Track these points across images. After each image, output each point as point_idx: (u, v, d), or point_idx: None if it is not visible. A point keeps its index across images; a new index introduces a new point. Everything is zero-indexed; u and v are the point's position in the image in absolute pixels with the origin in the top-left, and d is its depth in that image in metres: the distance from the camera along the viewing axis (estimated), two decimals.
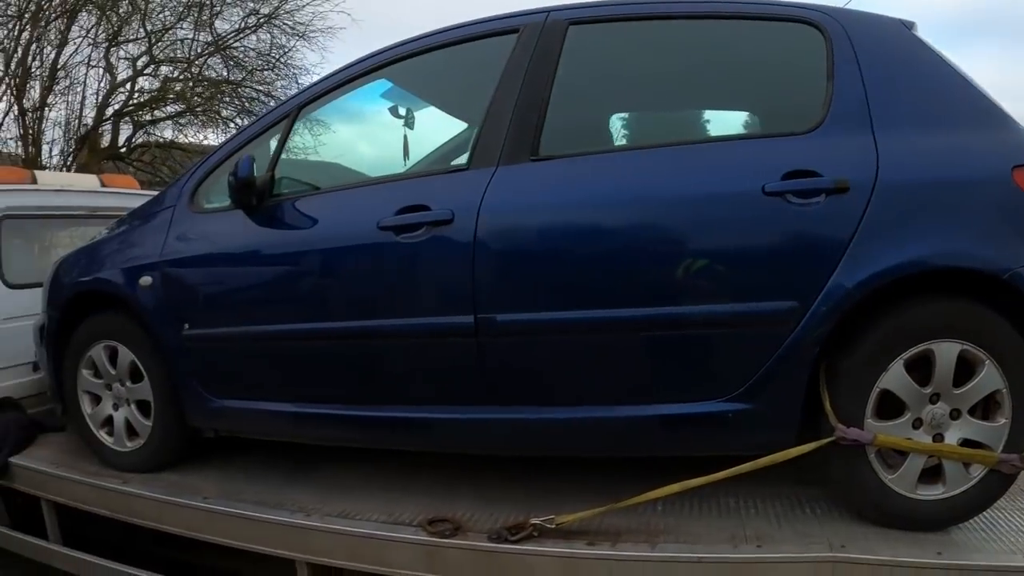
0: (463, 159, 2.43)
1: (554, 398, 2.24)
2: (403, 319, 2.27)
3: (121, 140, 10.38)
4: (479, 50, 2.50)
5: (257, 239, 2.51)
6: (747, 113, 2.68)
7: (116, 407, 2.92)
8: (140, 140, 10.61)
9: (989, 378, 2.00)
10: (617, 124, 2.58)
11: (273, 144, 2.60)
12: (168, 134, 10.77)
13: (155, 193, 4.41)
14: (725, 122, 2.71)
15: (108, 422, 2.96)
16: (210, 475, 2.81)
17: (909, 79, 2.11)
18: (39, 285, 3.69)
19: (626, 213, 2.15)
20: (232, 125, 10.36)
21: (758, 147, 2.19)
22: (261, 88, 10.89)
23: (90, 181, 4.32)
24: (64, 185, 4.05)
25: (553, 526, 2.12)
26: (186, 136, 10.64)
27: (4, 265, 3.68)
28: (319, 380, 2.49)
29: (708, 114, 2.73)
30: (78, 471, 2.97)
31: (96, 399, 2.98)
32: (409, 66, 2.58)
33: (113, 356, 2.85)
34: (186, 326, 2.59)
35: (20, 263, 3.85)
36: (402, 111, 2.93)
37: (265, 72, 10.86)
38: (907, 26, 2.19)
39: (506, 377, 2.25)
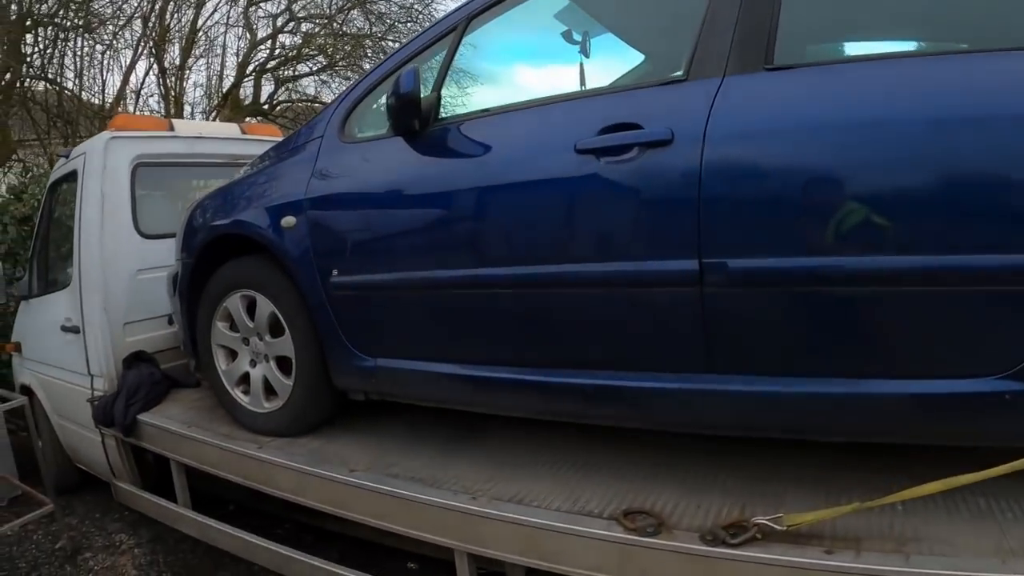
0: (670, 71, 1.95)
1: (792, 367, 1.76)
2: (604, 264, 1.84)
3: (263, 97, 10.43)
4: None
5: (421, 170, 2.16)
6: None
7: (253, 364, 2.67)
8: (283, 97, 10.62)
9: None
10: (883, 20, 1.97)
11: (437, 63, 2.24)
12: (311, 91, 10.76)
13: None
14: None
15: (244, 380, 2.72)
16: (356, 444, 2.51)
17: None
18: (174, 236, 3.56)
19: (889, 138, 1.60)
20: None
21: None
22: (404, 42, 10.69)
23: (230, 129, 4.14)
24: (203, 132, 3.87)
25: (783, 528, 1.68)
26: (331, 91, 10.50)
27: (138, 215, 3.52)
28: (496, 338, 2.10)
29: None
30: (210, 432, 2.76)
31: (232, 354, 2.75)
32: None
33: (251, 307, 2.60)
34: (335, 272, 2.29)
35: (155, 213, 3.70)
36: (577, 36, 2.50)
37: (408, 24, 10.59)
38: None
39: (733, 339, 1.77)
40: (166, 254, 3.55)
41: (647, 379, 1.87)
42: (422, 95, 2.05)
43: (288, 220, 2.35)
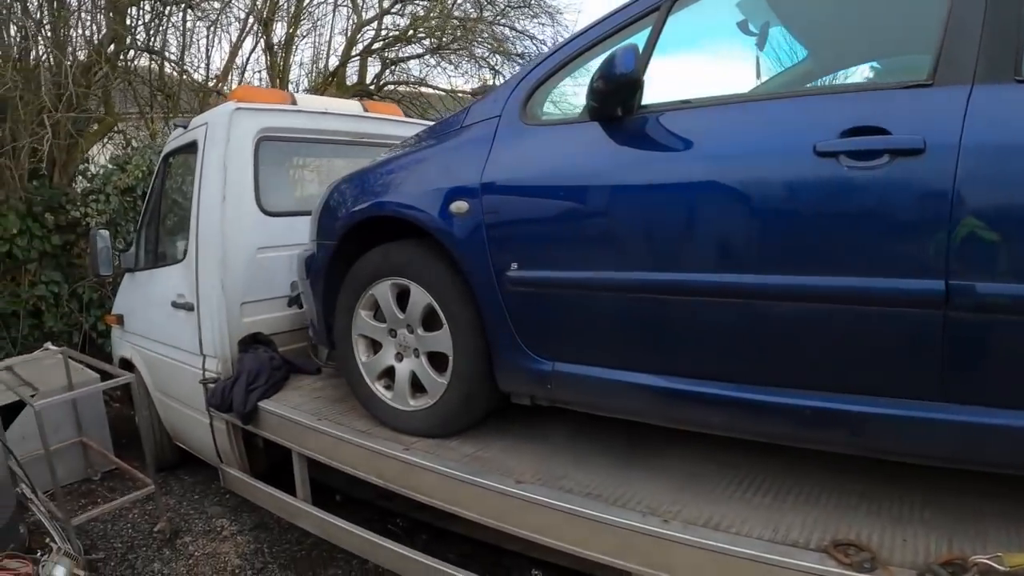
0: (907, 75, 1.76)
1: None
2: (837, 277, 1.67)
3: (369, 78, 10.34)
4: None
5: (624, 161, 1.95)
6: None
7: (400, 357, 2.49)
8: (388, 78, 10.53)
9: None
10: None
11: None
12: (418, 73, 10.66)
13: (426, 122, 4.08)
14: None
15: (387, 374, 2.55)
16: (513, 451, 2.32)
17: None
18: (296, 214, 3.42)
19: None
20: (486, 64, 10.02)
21: None
22: (518, 28, 10.51)
23: (353, 106, 3.96)
24: (328, 108, 3.70)
25: (1005, 568, 1.53)
26: (442, 73, 10.41)
27: (260, 190, 3.37)
28: (706, 350, 1.90)
29: None
30: (345, 427, 2.59)
31: (373, 345, 2.58)
32: None
33: (403, 297, 2.42)
34: (514, 266, 2.09)
35: (277, 189, 3.56)
36: (754, 27, 2.29)
37: (520, 9, 10.40)
38: None
39: (974, 367, 1.62)
40: (287, 232, 3.43)
41: (872, 404, 1.72)
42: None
43: (459, 206, 2.15)
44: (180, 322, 3.47)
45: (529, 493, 2.03)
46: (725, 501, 1.95)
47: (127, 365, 4.07)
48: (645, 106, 1.96)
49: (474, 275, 2.17)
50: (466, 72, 10.42)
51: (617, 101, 1.91)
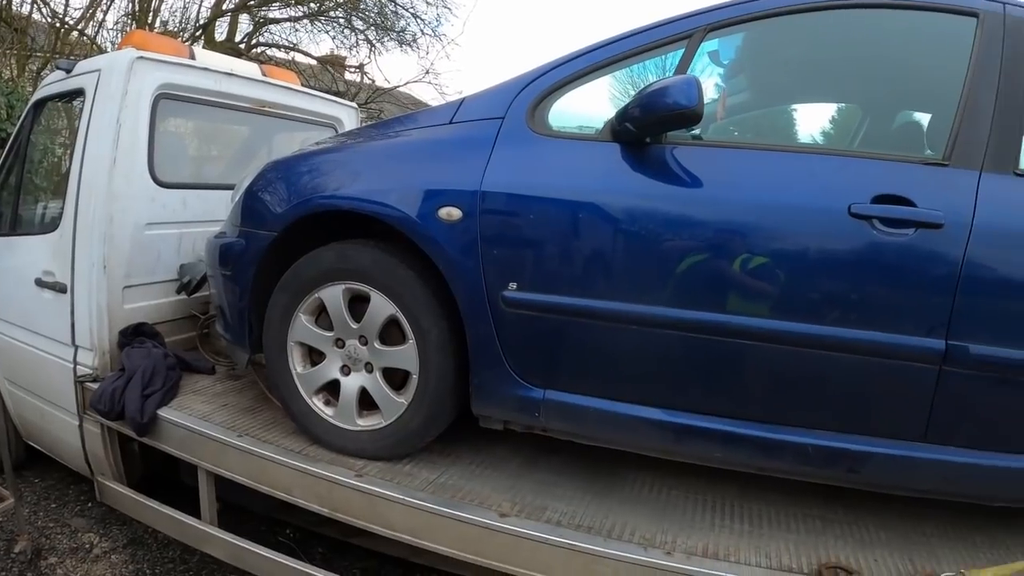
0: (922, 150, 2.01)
1: (996, 443, 1.85)
2: (850, 329, 1.79)
3: (238, 36, 9.28)
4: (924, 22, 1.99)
5: (652, 191, 1.86)
6: None
7: (347, 371, 2.20)
8: (259, 39, 9.50)
9: None
10: None
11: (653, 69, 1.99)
12: (291, 39, 9.72)
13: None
14: None
15: (329, 388, 2.25)
16: (474, 476, 2.17)
17: None
18: (191, 187, 2.96)
19: None
20: (362, 39, 9.32)
21: None
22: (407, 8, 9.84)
23: (251, 69, 3.43)
24: (234, 69, 3.19)
25: None
26: (311, 41, 9.71)
27: (155, 157, 2.86)
28: (715, 387, 1.90)
29: None
30: (275, 447, 2.28)
31: (312, 355, 2.26)
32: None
33: (356, 303, 2.13)
34: (512, 286, 1.92)
35: (172, 158, 3.04)
36: (724, 59, 2.28)
37: None
38: None
39: (955, 416, 1.84)
40: (179, 208, 2.98)
41: (869, 444, 1.87)
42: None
43: (450, 212, 1.92)
44: (46, 304, 2.89)
45: (518, 528, 1.89)
46: (708, 529, 1.97)
47: None
48: (674, 137, 1.89)
49: (461, 291, 1.96)
50: (342, 44, 9.85)
51: (659, 131, 1.83)
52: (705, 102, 1.74)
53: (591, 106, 2.01)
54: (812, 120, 2.56)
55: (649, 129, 1.83)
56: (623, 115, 1.84)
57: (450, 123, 2.07)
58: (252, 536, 2.50)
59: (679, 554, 1.83)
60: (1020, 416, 1.83)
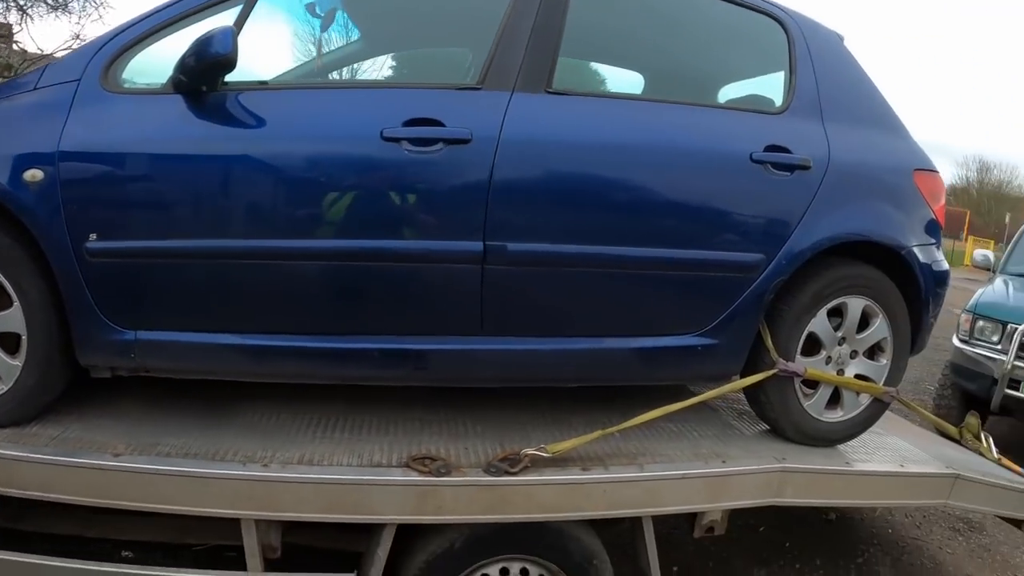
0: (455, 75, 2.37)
1: (548, 329, 2.30)
2: (400, 240, 2.11)
3: None
4: None
5: (207, 135, 2.08)
6: (719, 84, 2.96)
7: None
8: None
9: (880, 328, 2.60)
10: (612, 73, 2.64)
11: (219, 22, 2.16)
12: None
13: None
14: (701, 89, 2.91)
15: None
16: (100, 427, 2.25)
17: (845, 83, 2.61)
18: None
19: (635, 159, 2.30)
20: (12, 3, 7.84)
21: (742, 119, 2.50)
22: None
23: None
24: None
25: (548, 455, 2.18)
26: None
27: None
28: (287, 308, 2.17)
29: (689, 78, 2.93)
30: None
31: None
32: None
33: None
34: (92, 236, 2.05)
35: None
36: (320, 11, 2.66)
37: None
38: (840, 38, 2.69)
39: (504, 308, 2.23)
40: None
41: (430, 342, 2.22)
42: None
43: (34, 174, 2.02)
44: None
45: (130, 464, 2.03)
46: (310, 442, 2.23)
47: None
48: (230, 83, 2.12)
49: (50, 247, 2.06)
50: None
51: (207, 79, 2.04)
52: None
53: (164, 62, 2.14)
54: (389, 62, 2.92)
55: (198, 77, 2.01)
56: (179, 67, 2.02)
57: (34, 89, 2.15)
58: None
59: (275, 464, 2.04)
60: (566, 303, 2.27)
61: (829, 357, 2.56)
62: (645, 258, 2.28)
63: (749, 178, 2.36)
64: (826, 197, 2.43)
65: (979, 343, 5.20)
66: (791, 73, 2.55)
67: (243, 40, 2.06)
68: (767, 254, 2.38)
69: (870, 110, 2.67)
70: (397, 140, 2.06)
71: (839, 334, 2.55)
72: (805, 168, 2.41)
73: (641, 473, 2.23)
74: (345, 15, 2.82)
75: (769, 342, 2.45)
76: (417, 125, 2.08)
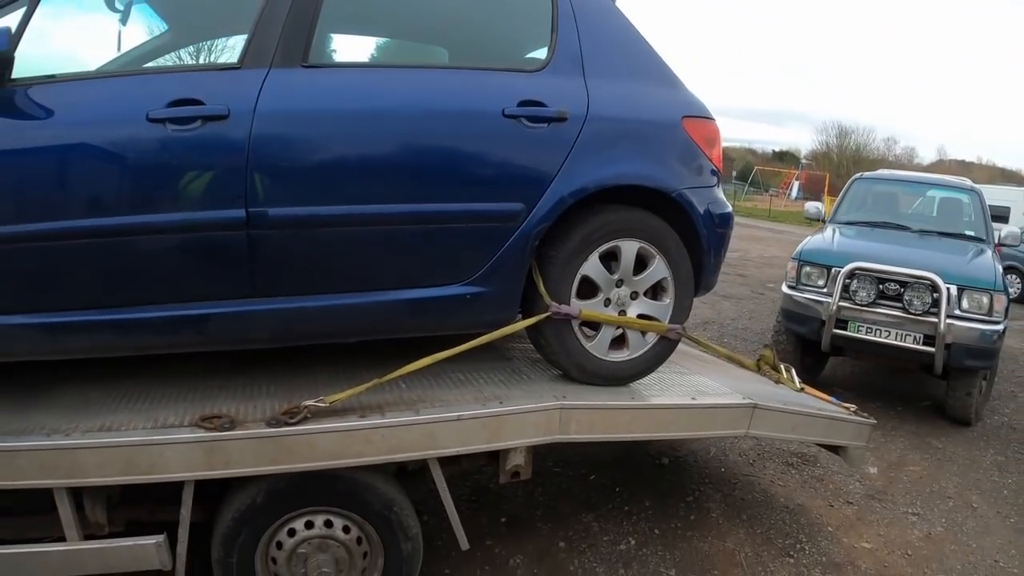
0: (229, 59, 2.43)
1: (317, 287, 2.42)
2: (170, 213, 2.23)
3: None
4: None
5: None
6: (483, 47, 3.08)
7: None
8: None
9: (658, 269, 2.75)
10: (374, 43, 2.75)
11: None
12: None
13: None
14: (468, 52, 3.08)
15: None
16: None
17: (611, 39, 2.74)
18: None
19: (387, 124, 2.44)
20: None
21: (497, 78, 2.64)
22: None
23: None
24: None
25: (326, 405, 2.32)
26: None
27: None
28: (71, 285, 2.26)
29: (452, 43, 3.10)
30: None
31: None
32: None
33: None
34: None
35: None
36: (119, 4, 2.77)
37: None
38: None
39: (272, 269, 2.36)
40: None
41: (207, 307, 2.34)
42: None
43: None
44: None
45: None
46: (112, 412, 2.34)
47: None
48: (15, 80, 2.21)
49: None
50: None
51: None
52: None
53: None
54: (190, 51, 3.02)
55: None
56: None
57: None
58: None
59: (77, 433, 2.15)
60: (331, 261, 2.39)
61: (608, 299, 2.72)
62: (402, 213, 2.43)
63: (503, 132, 2.51)
64: (586, 146, 2.58)
65: (807, 288, 5.43)
66: (553, 32, 2.68)
67: (62, 35, 2.25)
68: (527, 203, 2.53)
69: (637, 64, 2.80)
70: (161, 121, 2.20)
71: (616, 276, 2.71)
72: (561, 120, 2.56)
73: (416, 417, 2.39)
74: (151, 8, 2.95)
75: (542, 287, 2.61)
76: (180, 106, 2.21)
